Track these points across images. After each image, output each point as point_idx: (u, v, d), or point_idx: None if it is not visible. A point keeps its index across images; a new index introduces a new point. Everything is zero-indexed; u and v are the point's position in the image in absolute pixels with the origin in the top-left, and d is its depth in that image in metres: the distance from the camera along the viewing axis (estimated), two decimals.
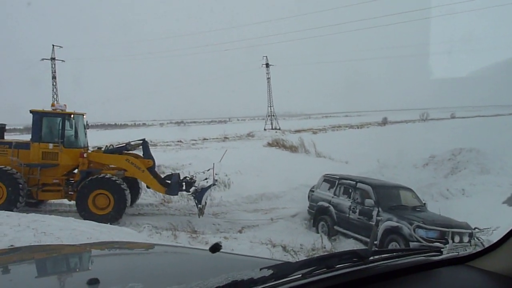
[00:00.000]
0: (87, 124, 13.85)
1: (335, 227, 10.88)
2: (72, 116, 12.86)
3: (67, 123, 12.73)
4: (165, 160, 21.76)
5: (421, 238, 8.51)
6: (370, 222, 9.67)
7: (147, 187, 13.48)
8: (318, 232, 11.15)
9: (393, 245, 9.06)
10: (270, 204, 15.16)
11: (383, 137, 34.41)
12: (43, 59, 49.84)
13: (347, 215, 10.55)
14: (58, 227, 7.45)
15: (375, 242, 9.34)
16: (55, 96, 49.36)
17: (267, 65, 56.86)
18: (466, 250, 6.64)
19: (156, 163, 20.39)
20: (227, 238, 9.68)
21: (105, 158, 12.98)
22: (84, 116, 13.70)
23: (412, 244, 8.55)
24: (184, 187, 13.07)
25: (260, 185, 16.76)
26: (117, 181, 12.10)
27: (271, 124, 56.07)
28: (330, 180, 11.87)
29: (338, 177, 11.73)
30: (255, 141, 35.57)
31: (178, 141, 39.39)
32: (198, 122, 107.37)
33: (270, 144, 30.40)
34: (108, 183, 12.06)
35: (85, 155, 12.75)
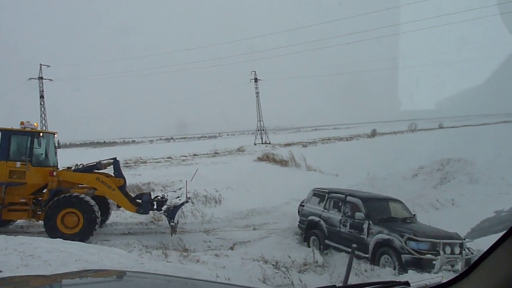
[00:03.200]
0: (58, 143, 13.76)
1: (326, 241, 10.83)
2: (41, 134, 12.73)
3: (35, 142, 12.52)
4: (155, 177, 21.62)
5: (413, 250, 8.52)
6: (361, 235, 9.68)
7: (118, 206, 13.32)
8: (309, 247, 11.11)
9: (384, 258, 9.05)
10: (262, 219, 15.11)
11: (373, 149, 34.60)
12: (30, 79, 49.53)
13: (338, 229, 10.52)
14: (46, 250, 7.33)
15: (366, 256, 9.32)
16: (43, 115, 48.98)
17: (256, 79, 57.13)
18: (457, 262, 6.62)
19: (146, 180, 20.37)
20: (218, 256, 9.57)
21: (75, 177, 12.84)
22: (55, 135, 13.62)
23: (404, 257, 8.55)
24: (155, 206, 13.01)
25: (251, 200, 16.73)
26: (86, 200, 11.94)
27: (261, 138, 56.07)
28: (320, 194, 11.86)
29: (327, 191, 11.72)
30: (245, 156, 35.52)
31: (168, 158, 39.19)
32: (188, 138, 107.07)
33: (260, 159, 30.37)
34: (77, 201, 11.90)
35: (54, 173, 12.59)
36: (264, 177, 21.88)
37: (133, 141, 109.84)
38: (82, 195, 12.05)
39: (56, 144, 13.73)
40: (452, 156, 19.35)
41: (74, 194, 12.08)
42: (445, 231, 9.34)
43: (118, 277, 2.79)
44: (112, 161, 13.22)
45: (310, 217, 11.63)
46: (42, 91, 49.55)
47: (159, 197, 13.49)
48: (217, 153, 41.50)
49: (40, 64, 49.51)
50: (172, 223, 12.15)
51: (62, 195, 12.05)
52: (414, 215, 10.56)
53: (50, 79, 50.18)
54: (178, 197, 12.68)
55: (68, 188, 12.47)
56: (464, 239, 9.09)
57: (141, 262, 7.43)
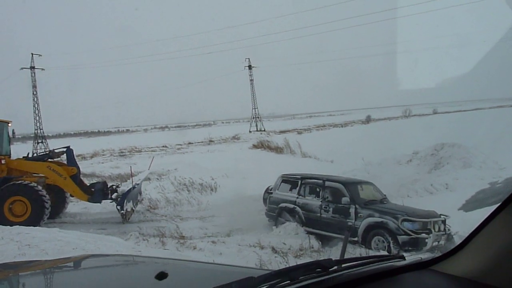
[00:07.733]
0: (13, 133, 13.68)
1: (304, 228, 10.65)
2: None
3: None
4: (150, 166, 21.57)
5: (409, 231, 8.72)
6: (348, 220, 9.75)
7: (70, 195, 13.31)
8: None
9: (375, 240, 9.20)
10: (257, 206, 15.17)
11: (367, 135, 34.68)
12: (22, 68, 48.91)
13: (318, 214, 10.43)
14: (43, 239, 7.36)
15: (355, 239, 9.40)
16: (36, 105, 48.62)
17: (250, 67, 56.94)
18: (444, 240, 6.82)
19: (141, 169, 20.34)
20: (215, 243, 9.65)
21: (26, 165, 12.82)
22: (9, 124, 13.52)
23: (401, 238, 8.72)
24: (110, 195, 12.97)
25: (246, 188, 16.76)
26: (34, 187, 11.82)
27: (256, 125, 56.10)
28: (290, 181, 11.68)
29: (300, 176, 11.54)
30: (240, 144, 35.57)
31: (163, 146, 39.12)
32: (183, 126, 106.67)
33: (255, 146, 30.43)
34: (25, 189, 11.78)
35: (3, 161, 12.51)
36: (260, 164, 21.92)
37: (128, 130, 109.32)
38: (30, 183, 11.92)
39: (11, 134, 13.61)
40: (446, 141, 19.40)
41: (21, 182, 11.95)
42: (424, 209, 9.61)
43: (116, 261, 2.81)
44: (65, 149, 13.16)
45: (282, 204, 11.39)
46: (35, 81, 49.07)
47: (114, 186, 13.54)
48: (212, 141, 41.50)
49: (32, 54, 48.93)
50: (122, 211, 12.11)
51: (10, 183, 11.93)
52: (385, 196, 10.65)
53: (42, 69, 49.65)
54: (130, 184, 12.78)
55: (19, 177, 12.37)
56: (440, 216, 9.31)
57: (138, 250, 7.48)
